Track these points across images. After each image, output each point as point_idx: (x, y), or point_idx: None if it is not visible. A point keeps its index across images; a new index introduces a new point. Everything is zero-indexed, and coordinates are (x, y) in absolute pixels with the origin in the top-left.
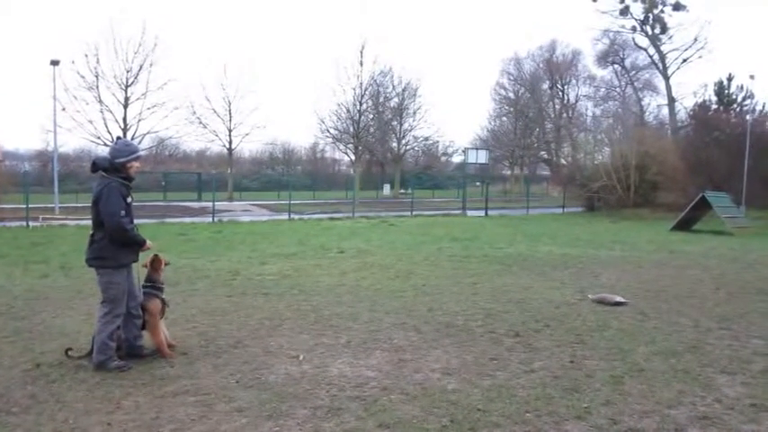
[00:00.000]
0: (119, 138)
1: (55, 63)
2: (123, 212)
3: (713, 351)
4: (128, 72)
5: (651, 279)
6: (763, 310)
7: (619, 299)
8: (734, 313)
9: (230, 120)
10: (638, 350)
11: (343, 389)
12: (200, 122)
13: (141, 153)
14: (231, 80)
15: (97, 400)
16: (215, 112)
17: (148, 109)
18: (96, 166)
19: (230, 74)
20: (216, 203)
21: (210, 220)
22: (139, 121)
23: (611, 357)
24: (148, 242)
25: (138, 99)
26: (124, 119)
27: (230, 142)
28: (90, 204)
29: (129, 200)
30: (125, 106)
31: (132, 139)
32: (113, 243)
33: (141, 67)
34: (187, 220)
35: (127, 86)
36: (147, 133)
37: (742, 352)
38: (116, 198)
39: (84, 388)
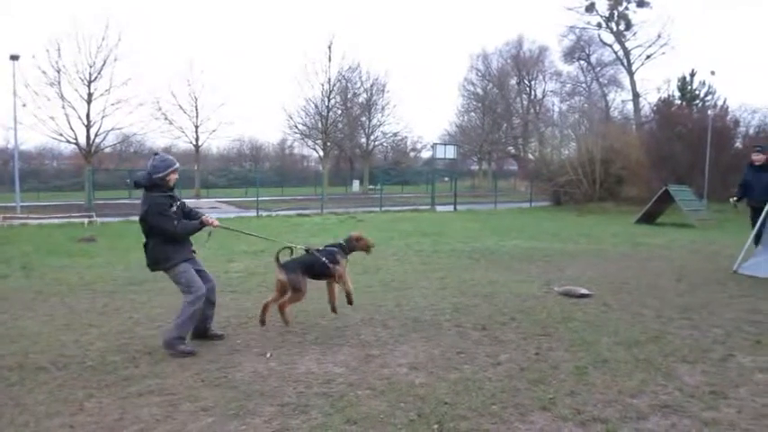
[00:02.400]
0: (156, 153)
1: (15, 58)
2: (175, 221)
3: (674, 341)
4: (91, 67)
5: (615, 271)
6: (722, 300)
7: (584, 291)
8: (695, 304)
9: (197, 116)
10: (602, 341)
11: (311, 386)
12: (166, 119)
13: (177, 165)
14: (197, 76)
15: (59, 402)
16: (181, 108)
17: (112, 105)
18: (138, 184)
19: (196, 69)
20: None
21: None
22: (103, 117)
23: (575, 348)
24: (208, 219)
25: (101, 95)
26: (87, 115)
27: (197, 139)
28: (139, 218)
29: (174, 208)
30: (88, 102)
31: (96, 135)
32: (166, 244)
33: (105, 63)
34: None
35: (90, 82)
36: (111, 130)
37: (702, 341)
38: (161, 214)
39: (46, 390)
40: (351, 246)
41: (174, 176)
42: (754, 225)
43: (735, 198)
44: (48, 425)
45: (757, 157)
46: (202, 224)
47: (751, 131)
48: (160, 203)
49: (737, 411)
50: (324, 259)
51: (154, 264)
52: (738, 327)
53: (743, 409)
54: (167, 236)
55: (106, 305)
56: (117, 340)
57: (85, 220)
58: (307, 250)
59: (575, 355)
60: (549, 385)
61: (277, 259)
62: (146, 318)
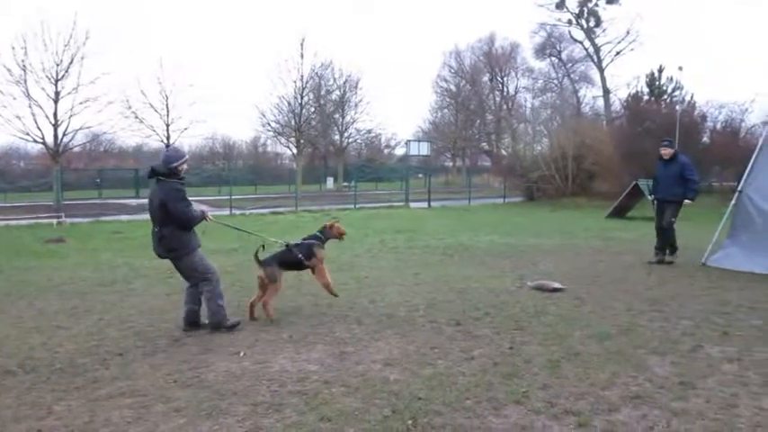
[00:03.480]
0: (168, 145)
1: None
2: (192, 207)
3: (645, 333)
4: (58, 65)
5: (587, 265)
6: (691, 292)
7: (556, 285)
8: (664, 296)
9: (168, 114)
10: (575, 334)
11: (284, 384)
12: (137, 117)
13: (188, 156)
14: (168, 74)
15: (27, 406)
16: (151, 106)
17: (81, 104)
18: (154, 172)
19: (167, 67)
20: None
21: (149, 217)
22: (71, 116)
23: (548, 342)
24: (208, 215)
25: (69, 93)
26: (55, 114)
27: (168, 137)
28: (149, 207)
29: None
30: (56, 101)
31: (64, 134)
32: (183, 233)
33: (72, 61)
34: (124, 217)
35: (57, 80)
36: (80, 129)
37: (672, 333)
38: (182, 198)
39: (14, 395)
40: (326, 235)
41: (185, 166)
42: (660, 220)
43: (652, 196)
44: (15, 429)
45: (665, 151)
46: (203, 216)
47: (718, 126)
48: (179, 189)
49: (706, 401)
50: (300, 255)
51: (169, 251)
52: (707, 318)
53: (711, 399)
54: (184, 222)
55: (76, 307)
56: (87, 342)
57: (54, 221)
58: (286, 245)
59: (548, 348)
60: (523, 379)
61: (256, 257)
62: (117, 319)
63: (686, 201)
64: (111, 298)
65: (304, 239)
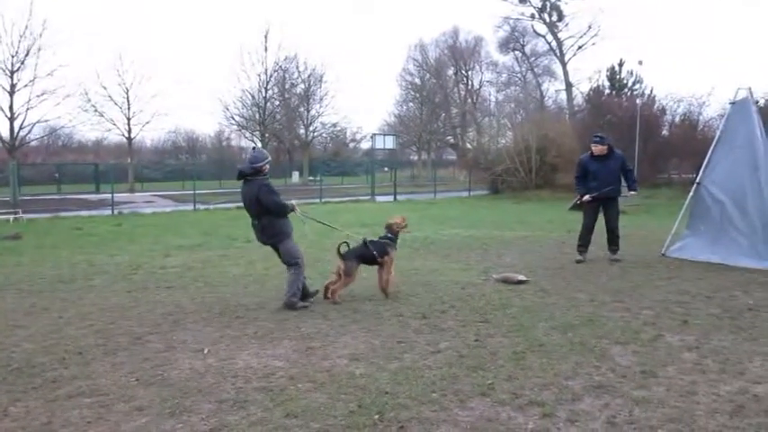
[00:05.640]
0: (254, 148)
1: None
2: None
3: (607, 323)
4: (13, 57)
5: (551, 257)
6: (652, 282)
7: (521, 277)
8: (626, 287)
9: (128, 107)
10: (539, 326)
11: (250, 380)
12: (96, 110)
13: (270, 158)
14: (128, 66)
15: None
16: (111, 99)
17: (38, 96)
18: (242, 174)
19: (126, 59)
20: (116, 195)
21: (110, 212)
22: (28, 109)
23: (513, 334)
24: (296, 207)
25: (26, 86)
26: (11, 107)
27: (129, 131)
28: (244, 203)
29: None
30: (11, 93)
31: (20, 128)
32: (278, 220)
33: (28, 53)
34: (84, 213)
35: (12, 72)
36: (38, 122)
37: (633, 323)
38: (271, 191)
39: None
40: (394, 234)
41: (267, 166)
42: (593, 219)
43: (579, 198)
44: None
45: (599, 148)
46: (292, 208)
47: (677, 120)
48: (268, 184)
49: (666, 389)
50: (374, 252)
51: (270, 237)
52: (667, 308)
53: (671, 387)
54: (277, 211)
55: (33, 305)
56: (45, 341)
57: (11, 217)
58: (364, 241)
59: (512, 340)
60: (488, 371)
61: (338, 251)
62: (76, 317)
63: (632, 192)
64: (71, 296)
65: (381, 238)
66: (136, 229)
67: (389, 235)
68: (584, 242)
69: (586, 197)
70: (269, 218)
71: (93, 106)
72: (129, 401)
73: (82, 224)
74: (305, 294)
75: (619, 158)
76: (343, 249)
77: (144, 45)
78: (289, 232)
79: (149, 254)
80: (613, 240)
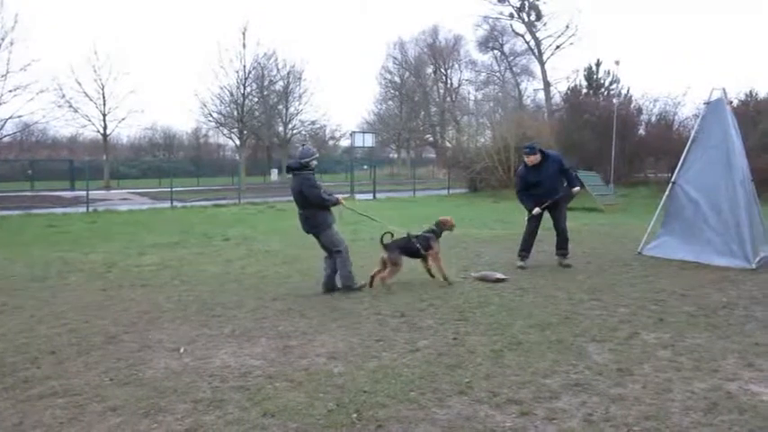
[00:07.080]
0: (303, 144)
1: None
2: (322, 192)
3: (584, 321)
4: None
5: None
6: (628, 280)
7: (499, 276)
8: (603, 285)
9: (104, 103)
10: (517, 324)
11: (226, 380)
12: (71, 106)
13: (318, 154)
14: (103, 62)
15: None
16: (86, 95)
17: (10, 92)
18: (291, 168)
19: (102, 55)
20: (91, 192)
21: (85, 209)
22: (0, 104)
23: (491, 332)
24: (341, 201)
25: None
26: None
27: (105, 127)
28: (292, 195)
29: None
30: None
31: None
32: (320, 212)
33: (0, 46)
34: (58, 210)
35: None
36: (10, 118)
37: (610, 321)
38: (313, 185)
39: None
40: (441, 229)
41: (314, 162)
42: (536, 224)
43: (529, 214)
44: None
45: (530, 159)
46: (337, 201)
47: (653, 119)
48: (310, 179)
49: (642, 387)
50: (418, 245)
51: (314, 227)
52: (643, 306)
53: (647, 385)
54: (318, 203)
55: (5, 304)
56: (16, 340)
57: None
58: (408, 235)
59: (490, 338)
60: (466, 369)
61: (381, 241)
62: (49, 316)
63: (575, 190)
64: (44, 294)
65: (425, 232)
66: (111, 226)
67: (434, 228)
68: (525, 247)
69: (536, 210)
70: (312, 209)
71: (68, 102)
72: (102, 401)
73: (56, 222)
74: (328, 288)
75: (555, 161)
76: (387, 240)
77: (120, 41)
78: (330, 223)
79: (125, 252)
80: (562, 243)
